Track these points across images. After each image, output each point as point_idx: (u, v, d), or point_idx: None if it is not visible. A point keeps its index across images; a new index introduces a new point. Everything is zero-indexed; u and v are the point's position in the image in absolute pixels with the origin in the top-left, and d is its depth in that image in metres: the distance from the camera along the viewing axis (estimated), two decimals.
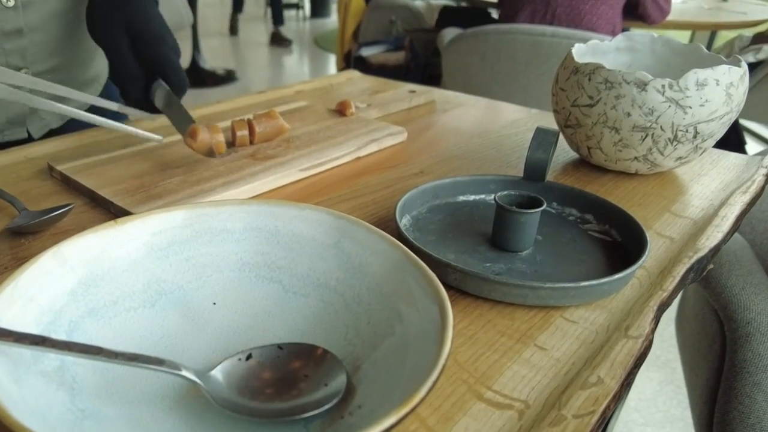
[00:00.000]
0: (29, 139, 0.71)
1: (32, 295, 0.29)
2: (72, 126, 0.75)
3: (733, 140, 2.15)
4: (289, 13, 7.20)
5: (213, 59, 4.34)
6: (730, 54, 2.14)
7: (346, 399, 0.28)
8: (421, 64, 2.85)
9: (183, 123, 0.57)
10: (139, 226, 0.35)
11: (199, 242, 0.36)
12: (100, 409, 0.27)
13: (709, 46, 3.18)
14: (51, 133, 0.74)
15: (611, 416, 0.91)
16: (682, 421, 1.44)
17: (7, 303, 0.28)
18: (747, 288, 0.86)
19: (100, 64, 0.77)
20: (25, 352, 0.27)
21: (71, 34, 0.70)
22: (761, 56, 1.93)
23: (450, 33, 2.23)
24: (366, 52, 2.88)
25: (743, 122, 2.83)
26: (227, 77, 4.09)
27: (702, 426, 0.92)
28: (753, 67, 1.93)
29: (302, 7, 7.09)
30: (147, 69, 0.59)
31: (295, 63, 5.17)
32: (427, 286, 0.29)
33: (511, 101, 0.88)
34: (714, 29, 3.08)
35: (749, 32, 2.32)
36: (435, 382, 0.23)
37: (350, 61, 3.01)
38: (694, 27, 2.42)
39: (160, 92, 0.59)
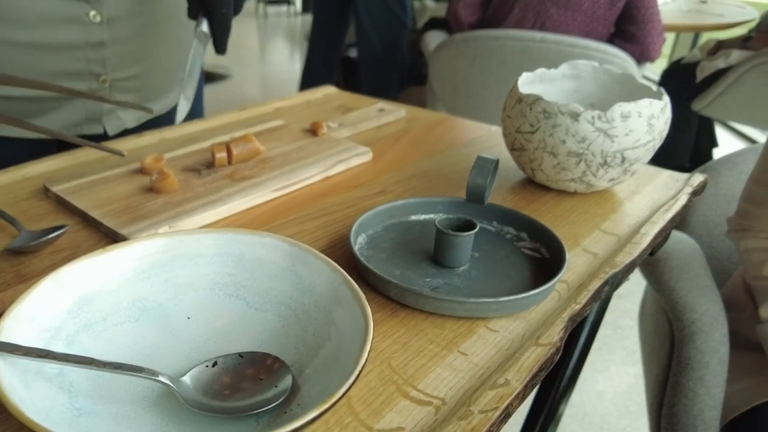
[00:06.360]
0: (104, 136, 0.78)
1: (36, 314, 0.36)
2: (150, 124, 0.82)
3: (704, 142, 2.23)
4: (279, 9, 7.22)
5: (205, 56, 4.38)
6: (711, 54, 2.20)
7: (290, 397, 0.35)
8: (408, 64, 2.91)
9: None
10: (126, 252, 0.41)
11: (177, 265, 0.42)
12: (93, 408, 0.34)
13: (693, 47, 3.26)
14: (125, 133, 0.80)
15: (555, 411, 0.98)
16: None
17: (15, 322, 0.34)
18: (693, 290, 0.93)
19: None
20: (32, 362, 0.33)
21: (153, 47, 0.76)
22: (731, 61, 2.01)
23: (434, 36, 2.28)
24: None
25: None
26: (220, 75, 4.14)
27: (653, 418, 1.00)
28: (725, 71, 2.00)
29: (293, 3, 7.11)
30: None
31: (286, 60, 5.22)
32: (357, 305, 0.36)
33: (501, 105, 0.92)
34: (692, 31, 3.16)
35: (725, 35, 2.39)
36: (350, 387, 0.30)
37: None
38: (673, 29, 2.50)
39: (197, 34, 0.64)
